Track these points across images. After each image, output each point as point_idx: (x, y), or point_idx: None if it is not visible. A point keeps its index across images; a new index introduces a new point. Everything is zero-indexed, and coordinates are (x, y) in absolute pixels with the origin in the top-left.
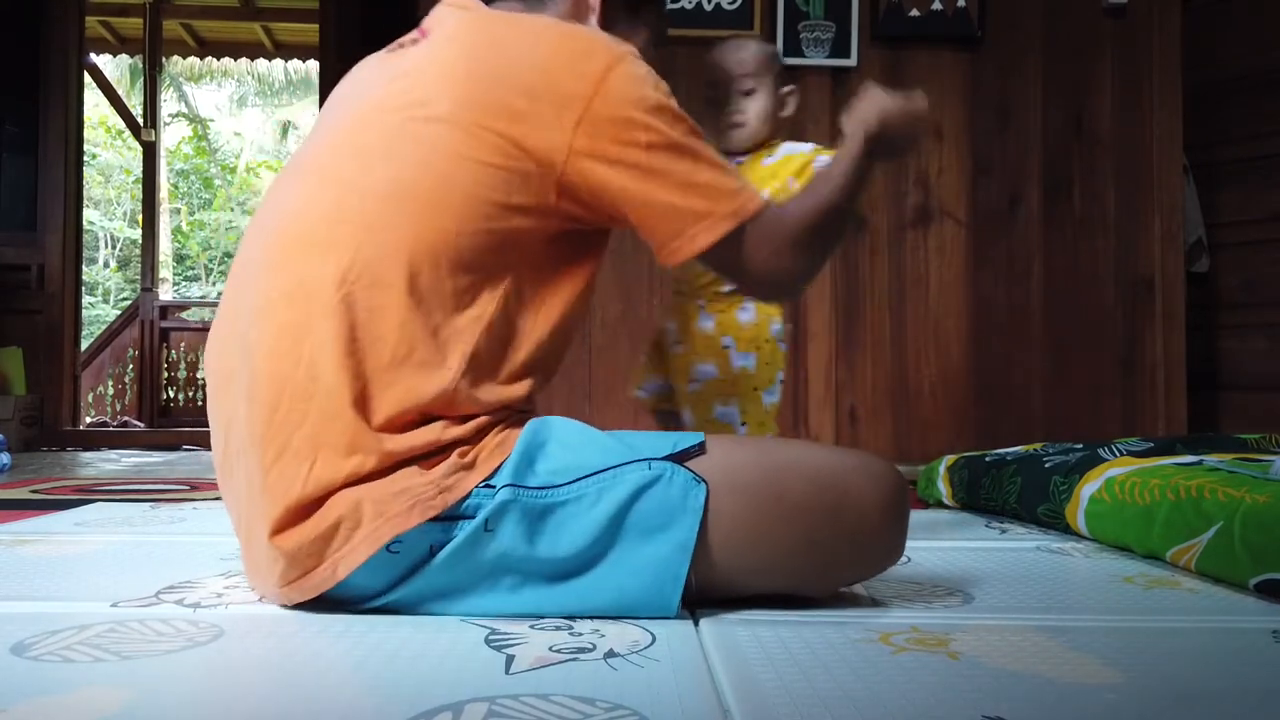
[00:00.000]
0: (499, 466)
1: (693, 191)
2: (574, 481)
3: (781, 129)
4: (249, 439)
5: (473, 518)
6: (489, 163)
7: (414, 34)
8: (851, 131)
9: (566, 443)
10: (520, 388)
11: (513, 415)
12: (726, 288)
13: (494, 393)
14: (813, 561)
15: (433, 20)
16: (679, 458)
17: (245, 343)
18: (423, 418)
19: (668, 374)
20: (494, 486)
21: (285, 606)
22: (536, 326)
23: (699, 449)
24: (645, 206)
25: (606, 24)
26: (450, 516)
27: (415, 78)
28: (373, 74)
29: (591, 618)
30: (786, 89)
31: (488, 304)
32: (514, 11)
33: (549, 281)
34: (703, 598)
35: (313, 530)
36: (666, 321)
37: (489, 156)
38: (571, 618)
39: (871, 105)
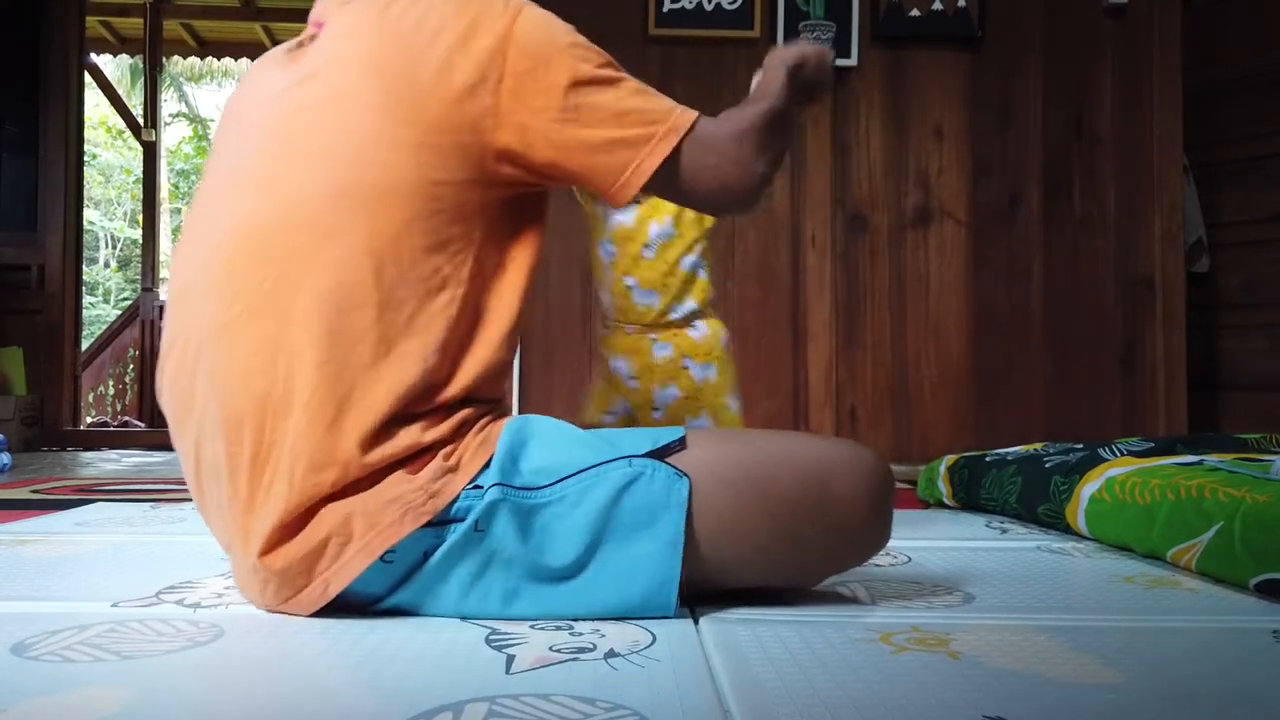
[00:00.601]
0: (484, 466)
1: (626, 119)
2: (556, 483)
3: None
4: (227, 459)
5: (463, 520)
6: (426, 143)
7: (309, 30)
8: (773, 65)
9: (548, 441)
10: (497, 364)
11: (492, 407)
12: (675, 314)
13: (475, 375)
14: (799, 553)
15: (323, 12)
16: (659, 454)
17: (207, 365)
18: (404, 416)
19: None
20: (481, 487)
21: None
22: (503, 300)
23: (679, 444)
24: (583, 148)
25: None
26: (441, 521)
27: (330, 75)
28: (282, 76)
29: (591, 619)
30: None
31: (456, 287)
32: None
33: (507, 252)
34: (692, 592)
35: (301, 548)
36: (614, 361)
37: (425, 137)
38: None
39: (788, 49)
